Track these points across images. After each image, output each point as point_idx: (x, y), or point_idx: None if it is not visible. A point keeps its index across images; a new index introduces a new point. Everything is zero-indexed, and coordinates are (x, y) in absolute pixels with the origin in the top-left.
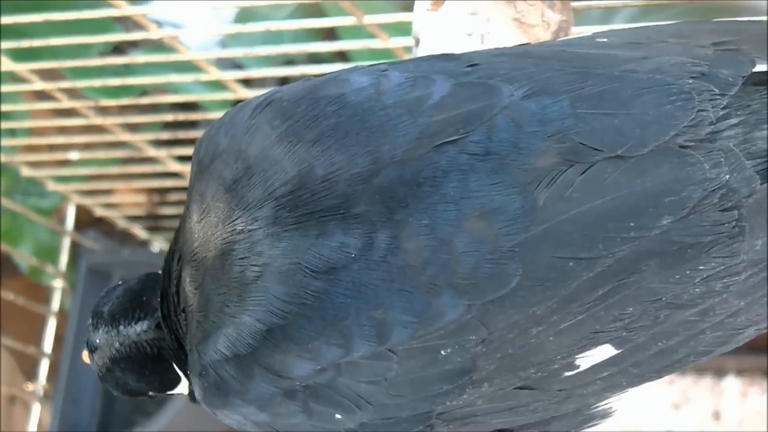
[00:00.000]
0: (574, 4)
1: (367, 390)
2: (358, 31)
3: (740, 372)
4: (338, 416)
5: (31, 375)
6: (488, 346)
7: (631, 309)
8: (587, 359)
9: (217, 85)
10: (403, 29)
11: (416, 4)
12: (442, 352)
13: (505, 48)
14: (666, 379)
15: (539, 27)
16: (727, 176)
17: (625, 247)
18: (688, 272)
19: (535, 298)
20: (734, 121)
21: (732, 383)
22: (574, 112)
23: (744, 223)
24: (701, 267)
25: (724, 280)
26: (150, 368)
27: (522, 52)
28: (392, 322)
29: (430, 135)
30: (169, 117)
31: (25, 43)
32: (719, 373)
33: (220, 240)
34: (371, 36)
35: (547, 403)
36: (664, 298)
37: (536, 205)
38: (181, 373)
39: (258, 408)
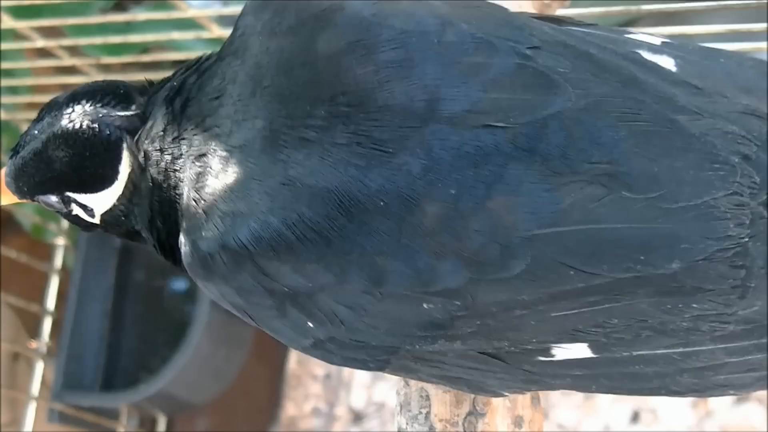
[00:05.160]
0: None
1: (344, 312)
2: None
3: None
4: (310, 324)
5: (34, 332)
6: (470, 312)
7: (616, 320)
8: (562, 351)
9: (219, 43)
10: None
11: None
12: (425, 305)
13: (567, 34)
14: None
15: None
16: (747, 239)
17: (627, 275)
18: (680, 305)
19: (528, 289)
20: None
21: None
22: (623, 146)
23: (749, 284)
24: (694, 305)
25: (712, 324)
26: (92, 158)
27: (583, 53)
28: (391, 271)
29: (480, 111)
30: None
31: (26, 1)
32: None
33: (272, 113)
34: None
35: (513, 377)
36: (650, 321)
37: (560, 207)
38: (121, 174)
39: (237, 292)
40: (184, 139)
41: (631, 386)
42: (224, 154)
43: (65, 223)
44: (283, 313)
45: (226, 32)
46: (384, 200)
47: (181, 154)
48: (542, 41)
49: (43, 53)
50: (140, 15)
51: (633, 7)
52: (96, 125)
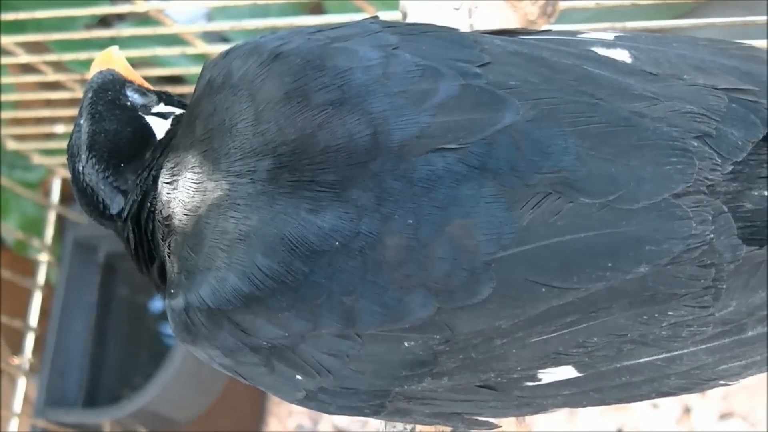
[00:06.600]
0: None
1: (329, 361)
2: (344, 5)
3: None
4: (298, 377)
5: (17, 349)
6: (451, 346)
7: (596, 339)
8: (549, 375)
9: (204, 59)
10: (391, 4)
11: None
12: (406, 343)
13: (519, 43)
14: None
15: (527, 1)
16: (712, 236)
17: (599, 285)
18: (656, 315)
19: (503, 313)
20: (730, 175)
21: None
22: (574, 151)
23: (720, 284)
24: (670, 312)
25: (691, 329)
26: (100, 213)
27: (536, 58)
28: (361, 310)
29: (430, 136)
30: None
31: (11, 16)
32: None
33: (221, 174)
34: (358, 10)
35: (506, 403)
36: (629, 335)
37: (520, 225)
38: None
39: (223, 354)
40: (153, 227)
41: (621, 395)
42: (184, 220)
43: (48, 239)
44: (272, 369)
45: (210, 48)
46: (340, 239)
47: (159, 241)
48: (493, 55)
49: (27, 68)
50: (125, 31)
51: (618, 24)
52: (99, 199)
